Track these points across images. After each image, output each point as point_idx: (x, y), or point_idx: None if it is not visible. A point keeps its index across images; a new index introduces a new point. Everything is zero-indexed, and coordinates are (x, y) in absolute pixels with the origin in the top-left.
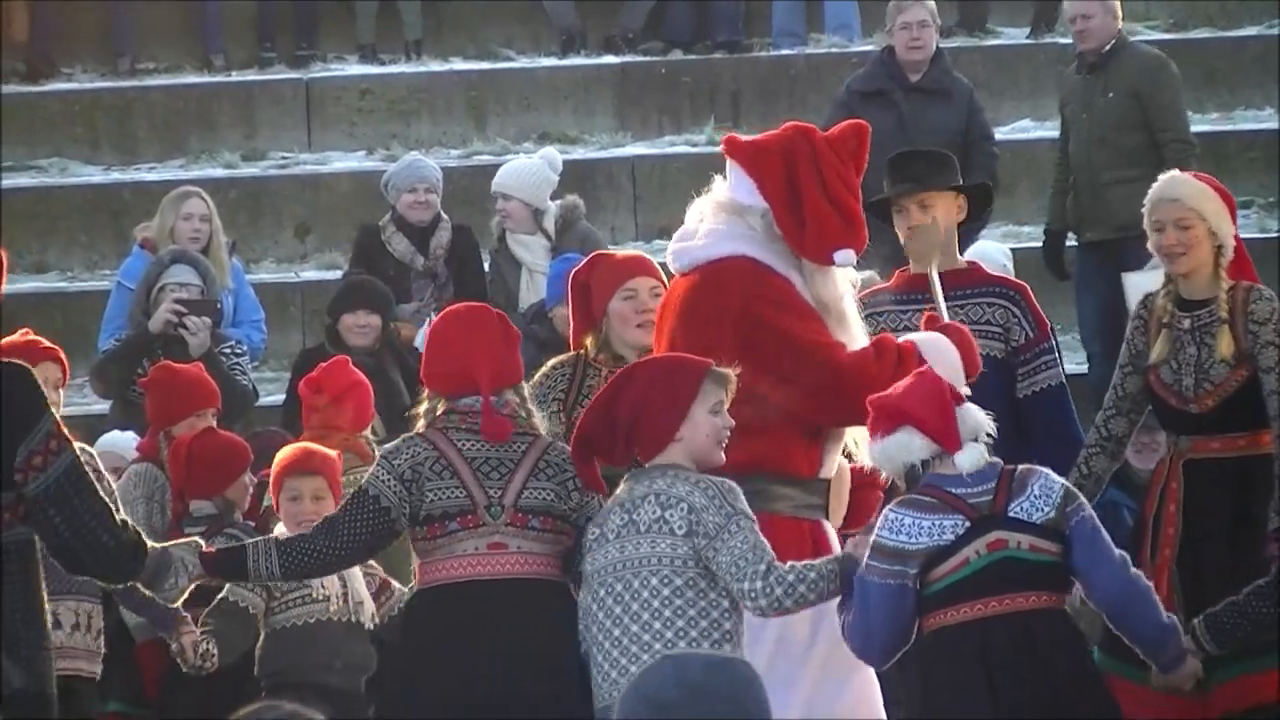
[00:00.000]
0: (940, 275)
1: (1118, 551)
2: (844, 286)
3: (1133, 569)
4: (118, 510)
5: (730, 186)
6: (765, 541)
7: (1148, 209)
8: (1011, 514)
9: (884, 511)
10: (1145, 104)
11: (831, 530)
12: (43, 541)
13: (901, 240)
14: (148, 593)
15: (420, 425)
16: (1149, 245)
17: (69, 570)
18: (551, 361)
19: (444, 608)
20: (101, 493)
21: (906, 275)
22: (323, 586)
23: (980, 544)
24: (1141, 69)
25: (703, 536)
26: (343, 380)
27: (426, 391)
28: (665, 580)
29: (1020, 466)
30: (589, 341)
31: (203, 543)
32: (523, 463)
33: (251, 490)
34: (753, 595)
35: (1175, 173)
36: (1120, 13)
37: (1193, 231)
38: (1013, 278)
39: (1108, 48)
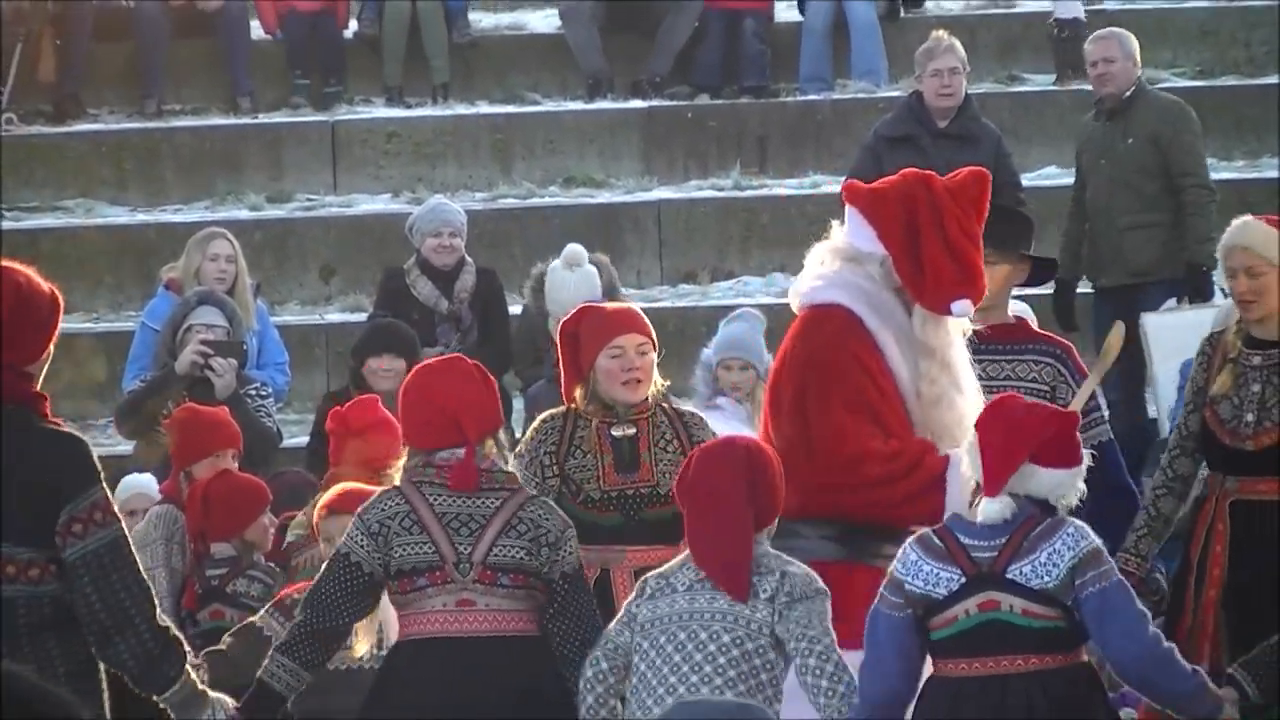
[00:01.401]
0: (988, 330)
1: (1141, 615)
2: (955, 334)
3: (1152, 630)
4: (160, 609)
5: (848, 232)
6: (831, 627)
7: (1221, 255)
8: (1009, 575)
9: (905, 544)
10: (1166, 149)
11: None
12: (79, 615)
13: None
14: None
15: (398, 479)
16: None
17: (100, 653)
18: (542, 415)
19: (415, 662)
20: (147, 581)
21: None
22: (355, 634)
23: (972, 603)
24: (1162, 114)
25: (786, 595)
26: (371, 416)
27: (407, 449)
28: (737, 641)
29: (1046, 523)
30: (578, 393)
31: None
32: (494, 519)
33: (273, 532)
34: (815, 678)
35: (1248, 218)
36: (1139, 59)
37: (1265, 279)
38: (1057, 336)
39: (1128, 94)
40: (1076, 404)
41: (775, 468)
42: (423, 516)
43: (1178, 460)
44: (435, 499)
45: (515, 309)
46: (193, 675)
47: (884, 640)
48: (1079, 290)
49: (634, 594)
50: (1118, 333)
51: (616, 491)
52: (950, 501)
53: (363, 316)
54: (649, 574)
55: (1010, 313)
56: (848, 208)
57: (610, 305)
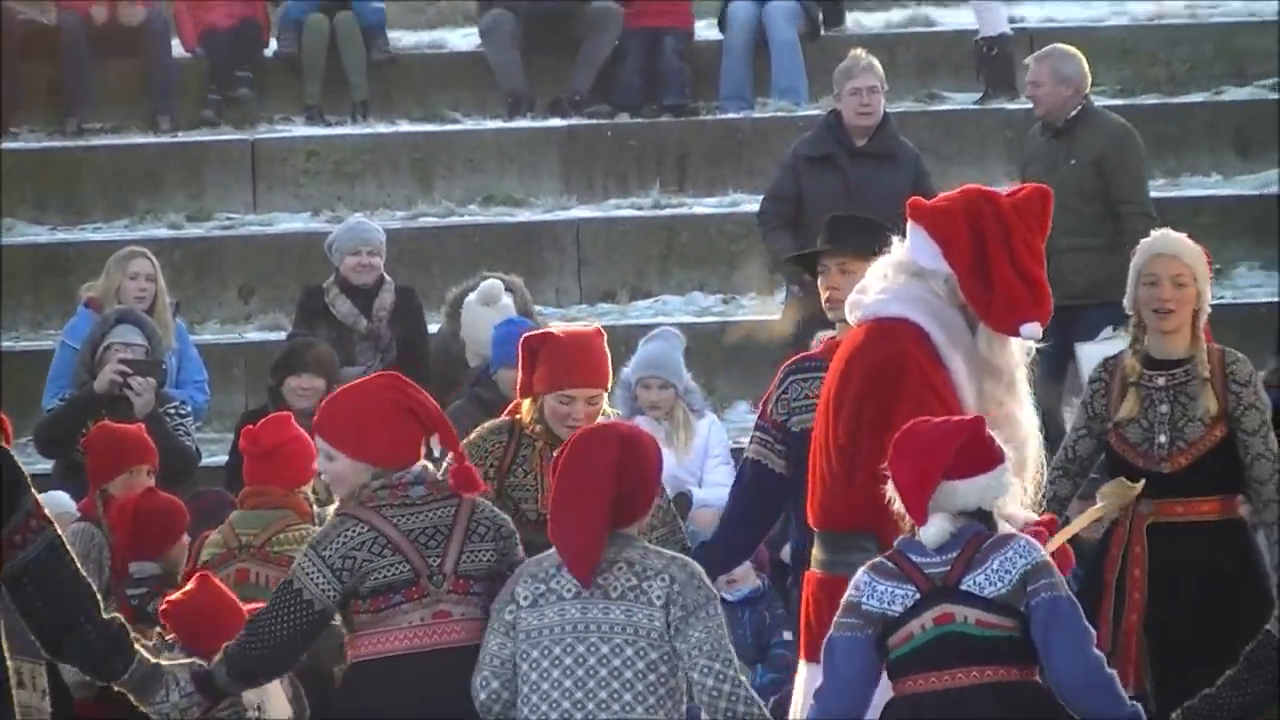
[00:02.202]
0: None
1: (1087, 633)
2: (1020, 355)
3: (1097, 652)
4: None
5: (911, 249)
6: (727, 635)
7: (1141, 261)
8: (964, 587)
9: (857, 573)
10: (1109, 173)
11: None
12: (25, 621)
13: (822, 300)
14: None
15: (349, 503)
16: (1129, 300)
17: (51, 654)
18: (487, 426)
19: (386, 681)
20: (87, 579)
21: (835, 344)
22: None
23: (928, 617)
24: (1108, 138)
25: (680, 608)
26: (283, 434)
27: (369, 469)
28: (641, 653)
29: (995, 537)
30: (526, 409)
31: (203, 663)
32: (455, 528)
33: (189, 552)
34: (711, 694)
35: (1168, 231)
36: (1084, 83)
37: (1187, 290)
38: None
39: (1074, 113)
40: (1058, 541)
41: (651, 457)
42: (391, 538)
43: (1059, 481)
44: (398, 519)
45: (435, 327)
46: (146, 656)
47: (843, 663)
48: None
49: (504, 601)
50: (1122, 491)
51: None
52: None
53: (282, 335)
54: (519, 579)
55: None
56: (910, 224)
57: (575, 341)
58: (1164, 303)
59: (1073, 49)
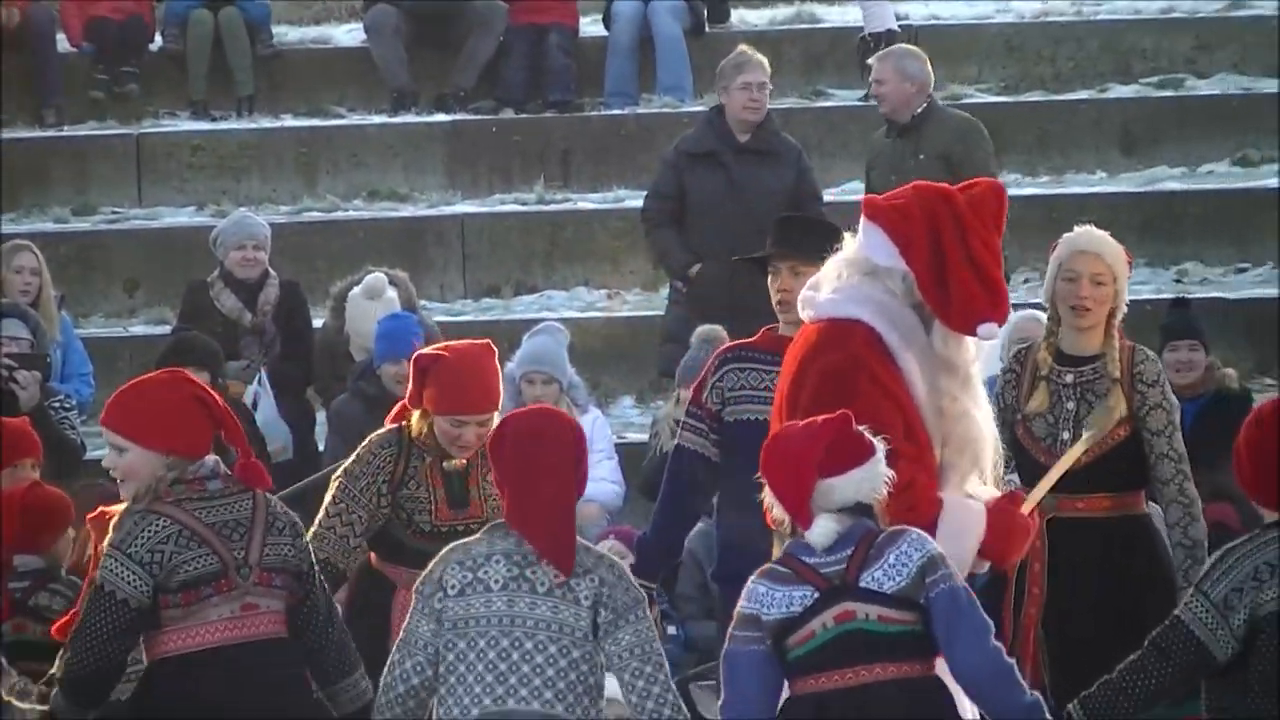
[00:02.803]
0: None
1: (986, 625)
2: (974, 350)
3: (996, 642)
4: None
5: (866, 246)
6: (657, 636)
7: (1063, 255)
8: (862, 584)
9: (748, 582)
10: (956, 166)
11: None
12: None
13: (773, 300)
14: None
15: (144, 499)
16: (1046, 292)
17: None
18: (376, 438)
19: (194, 675)
20: None
21: (774, 336)
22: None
23: (828, 616)
24: (953, 132)
25: (610, 611)
26: None
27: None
28: (564, 650)
29: (887, 532)
30: (415, 421)
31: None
32: (255, 521)
33: (74, 545)
34: (641, 695)
35: (1091, 227)
36: (928, 80)
37: (1105, 289)
38: None
39: (919, 110)
40: (1041, 490)
41: (584, 443)
42: (197, 530)
43: None
44: (200, 512)
45: (319, 322)
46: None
47: (744, 676)
48: None
49: (429, 587)
50: (1106, 419)
51: (448, 527)
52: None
53: (166, 329)
54: (447, 565)
55: None
56: (864, 221)
57: (467, 363)
58: (1081, 300)
59: (915, 48)
